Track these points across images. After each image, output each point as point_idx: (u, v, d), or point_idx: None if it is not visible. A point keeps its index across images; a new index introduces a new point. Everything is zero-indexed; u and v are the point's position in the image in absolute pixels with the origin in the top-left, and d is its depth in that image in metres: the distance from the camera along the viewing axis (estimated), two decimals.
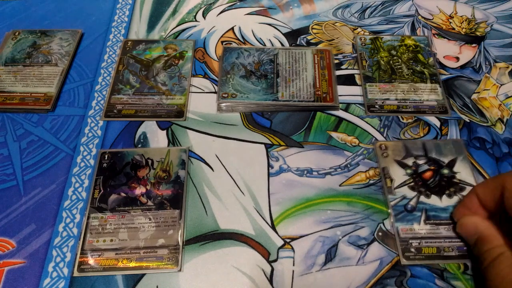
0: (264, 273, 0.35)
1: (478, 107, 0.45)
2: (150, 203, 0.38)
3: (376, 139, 0.43)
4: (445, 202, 0.38)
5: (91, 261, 0.35)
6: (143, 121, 0.44)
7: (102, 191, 0.38)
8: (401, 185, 0.39)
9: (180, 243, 0.36)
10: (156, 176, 0.39)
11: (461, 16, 0.54)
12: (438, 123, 0.44)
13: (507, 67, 0.49)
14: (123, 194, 0.38)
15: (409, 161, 0.40)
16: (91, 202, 0.38)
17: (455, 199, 0.38)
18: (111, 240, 0.36)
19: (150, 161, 0.40)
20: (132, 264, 0.35)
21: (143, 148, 0.42)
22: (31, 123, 0.44)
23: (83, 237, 0.36)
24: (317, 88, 0.45)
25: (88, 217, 0.37)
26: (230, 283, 0.34)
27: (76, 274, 0.34)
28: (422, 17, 0.54)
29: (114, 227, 0.36)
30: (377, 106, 0.45)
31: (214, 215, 0.38)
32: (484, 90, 0.47)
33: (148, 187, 0.39)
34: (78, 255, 0.35)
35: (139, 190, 0.39)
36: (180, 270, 0.35)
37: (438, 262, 0.35)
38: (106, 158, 0.40)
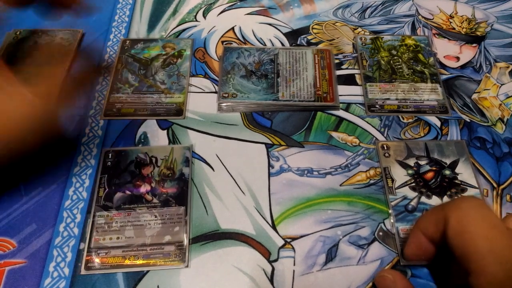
0: (265, 272, 0.35)
1: (479, 106, 0.45)
2: (155, 200, 0.38)
3: (376, 139, 0.43)
4: None
5: (98, 259, 0.35)
6: (143, 121, 0.44)
7: (107, 189, 0.38)
8: (402, 185, 0.39)
9: (187, 240, 0.36)
10: (161, 173, 0.39)
11: (462, 16, 0.54)
12: (438, 123, 0.44)
13: (508, 67, 0.49)
14: (128, 192, 0.38)
15: (411, 162, 0.40)
16: (96, 201, 0.38)
17: None
18: (118, 238, 0.36)
19: (154, 159, 0.40)
20: (139, 262, 0.35)
21: (147, 146, 0.42)
22: None
23: (89, 236, 0.36)
24: (318, 88, 0.45)
25: (94, 216, 0.37)
26: (231, 283, 0.34)
27: (83, 272, 0.34)
28: (423, 17, 0.54)
29: (120, 225, 0.37)
30: (377, 106, 0.45)
31: (215, 215, 0.38)
32: (485, 90, 0.47)
33: (153, 185, 0.39)
34: (85, 254, 0.35)
35: (144, 188, 0.39)
36: (187, 266, 0.35)
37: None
38: (110, 157, 0.40)
